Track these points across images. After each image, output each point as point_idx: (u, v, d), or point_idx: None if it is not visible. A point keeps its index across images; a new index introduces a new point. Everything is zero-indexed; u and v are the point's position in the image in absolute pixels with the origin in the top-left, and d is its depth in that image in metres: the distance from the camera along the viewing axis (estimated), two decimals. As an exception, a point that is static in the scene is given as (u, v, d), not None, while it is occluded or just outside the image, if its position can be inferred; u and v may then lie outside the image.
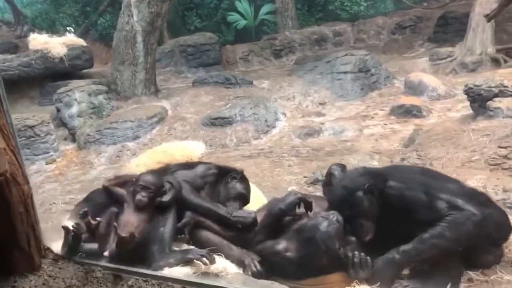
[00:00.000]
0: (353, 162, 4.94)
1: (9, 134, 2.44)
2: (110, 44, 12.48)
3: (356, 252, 2.60)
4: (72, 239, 2.67)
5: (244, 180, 3.31)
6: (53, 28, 14.55)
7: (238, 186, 3.24)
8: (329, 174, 3.28)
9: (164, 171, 3.18)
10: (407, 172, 2.86)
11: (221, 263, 2.69)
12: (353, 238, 2.75)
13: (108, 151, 7.77)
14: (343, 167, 3.32)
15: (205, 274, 2.60)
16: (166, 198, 2.86)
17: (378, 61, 9.53)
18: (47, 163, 7.69)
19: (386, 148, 6.18)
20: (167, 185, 2.93)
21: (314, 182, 4.72)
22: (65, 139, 8.83)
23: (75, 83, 9.15)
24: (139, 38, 9.08)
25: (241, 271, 2.78)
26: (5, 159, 2.33)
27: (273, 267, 2.77)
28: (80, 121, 8.50)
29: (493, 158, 4.62)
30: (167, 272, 2.58)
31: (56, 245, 2.84)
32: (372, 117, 7.62)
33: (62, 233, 3.05)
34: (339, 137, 6.95)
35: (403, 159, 5.05)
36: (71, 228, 2.68)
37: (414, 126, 6.86)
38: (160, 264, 2.63)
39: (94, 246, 2.76)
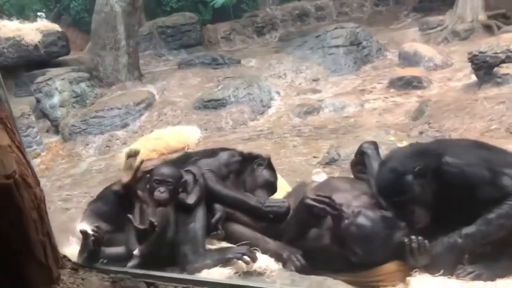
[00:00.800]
0: (368, 138, 4.65)
1: (13, 128, 2.08)
2: (84, 29, 11.91)
3: (413, 237, 2.34)
4: (93, 244, 2.33)
5: (271, 167, 3.01)
6: (22, 14, 13.76)
7: (265, 174, 2.95)
8: (361, 153, 3.01)
9: (184, 160, 2.85)
10: (461, 146, 2.58)
11: (263, 260, 2.40)
12: (403, 223, 2.49)
13: (96, 142, 7.39)
14: (375, 145, 3.05)
15: (247, 274, 2.32)
16: (191, 200, 2.52)
17: (369, 34, 9.28)
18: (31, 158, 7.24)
19: (392, 122, 5.95)
20: (189, 178, 2.60)
21: (330, 162, 4.44)
22: (47, 131, 8.36)
23: (54, 71, 8.61)
24: (120, 20, 8.54)
25: (280, 266, 2.51)
26: (12, 157, 1.96)
27: (318, 261, 2.50)
28: (62, 111, 8.03)
29: (514, 126, 4.44)
30: (205, 274, 2.29)
31: (67, 251, 2.51)
32: (371, 91, 7.38)
33: (69, 235, 2.74)
34: (340, 113, 6.69)
35: (421, 133, 4.82)
36: (90, 232, 2.34)
37: (417, 98, 6.66)
38: (195, 266, 2.33)
39: (117, 250, 2.43)
